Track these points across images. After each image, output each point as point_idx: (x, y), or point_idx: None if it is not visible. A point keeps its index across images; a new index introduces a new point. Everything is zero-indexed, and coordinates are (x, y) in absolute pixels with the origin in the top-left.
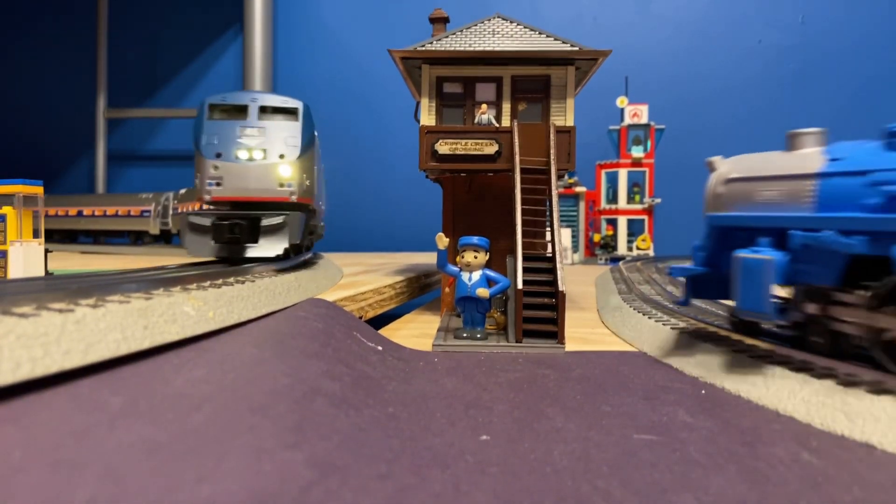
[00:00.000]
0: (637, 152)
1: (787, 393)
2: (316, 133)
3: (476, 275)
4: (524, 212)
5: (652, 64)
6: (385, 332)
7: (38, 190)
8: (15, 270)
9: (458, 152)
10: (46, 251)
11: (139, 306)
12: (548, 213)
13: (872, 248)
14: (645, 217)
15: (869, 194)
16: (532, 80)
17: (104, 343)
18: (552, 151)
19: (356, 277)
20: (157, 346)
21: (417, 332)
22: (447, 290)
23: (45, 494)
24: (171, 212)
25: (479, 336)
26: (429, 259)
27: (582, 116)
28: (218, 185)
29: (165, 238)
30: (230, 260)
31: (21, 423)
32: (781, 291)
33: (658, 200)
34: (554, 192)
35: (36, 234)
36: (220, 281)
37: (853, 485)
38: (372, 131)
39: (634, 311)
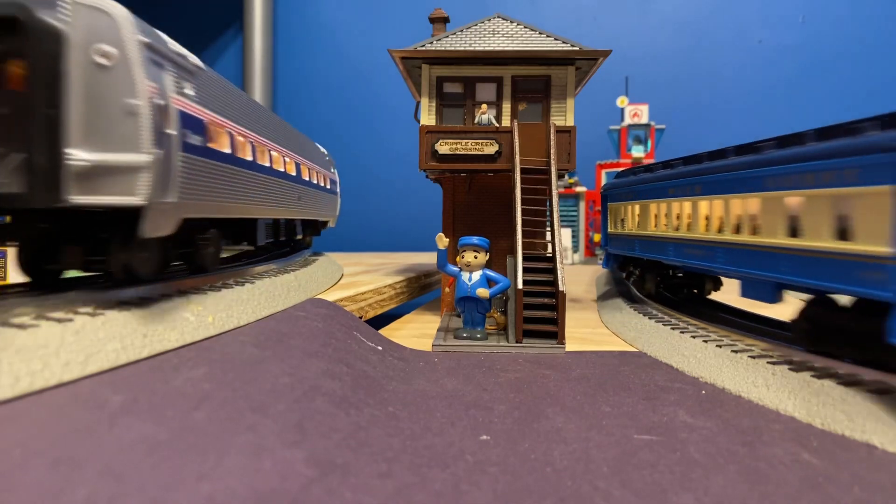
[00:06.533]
0: (637, 152)
1: (787, 393)
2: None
3: (476, 275)
4: (524, 212)
5: (652, 64)
6: (385, 332)
7: None
8: (14, 270)
9: (458, 152)
10: None
11: (138, 314)
12: (548, 213)
13: None
14: None
15: None
16: (532, 80)
17: (103, 353)
18: (552, 151)
19: (356, 277)
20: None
21: (417, 332)
22: (447, 290)
23: (45, 491)
24: None
25: (479, 336)
26: (429, 259)
27: (582, 116)
28: None
29: None
30: None
31: (21, 421)
32: None
33: None
34: (554, 192)
35: None
36: (219, 283)
37: (853, 485)
38: (372, 131)
39: (635, 312)
